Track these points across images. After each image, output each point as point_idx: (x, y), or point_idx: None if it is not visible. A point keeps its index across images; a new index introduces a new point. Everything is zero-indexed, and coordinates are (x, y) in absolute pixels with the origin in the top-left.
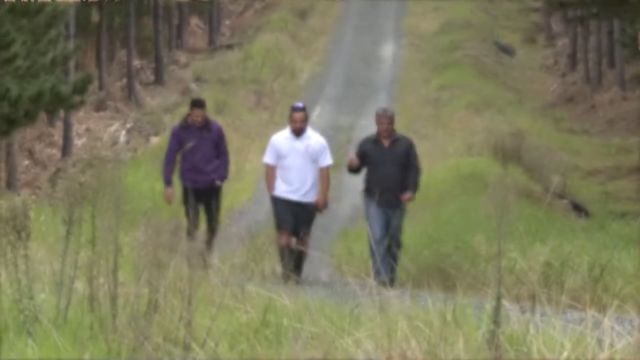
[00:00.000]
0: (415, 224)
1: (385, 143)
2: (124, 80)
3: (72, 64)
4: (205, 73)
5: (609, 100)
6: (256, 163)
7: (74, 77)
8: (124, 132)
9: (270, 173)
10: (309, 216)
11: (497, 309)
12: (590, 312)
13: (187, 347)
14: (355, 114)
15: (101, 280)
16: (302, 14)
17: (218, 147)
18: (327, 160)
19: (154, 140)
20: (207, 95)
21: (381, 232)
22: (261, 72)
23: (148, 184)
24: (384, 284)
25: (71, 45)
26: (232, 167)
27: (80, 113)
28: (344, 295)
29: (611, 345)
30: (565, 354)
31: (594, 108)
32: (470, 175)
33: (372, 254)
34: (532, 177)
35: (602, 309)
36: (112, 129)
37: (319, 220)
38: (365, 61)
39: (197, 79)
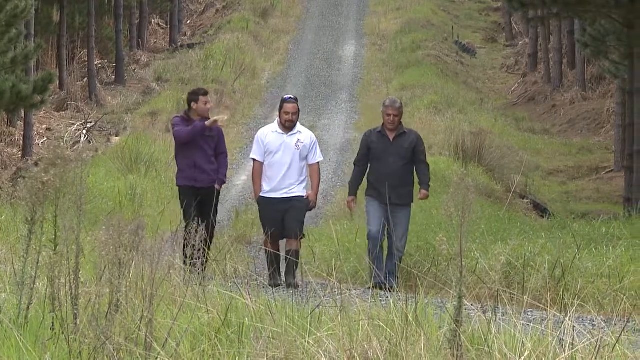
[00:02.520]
0: None
1: (391, 136)
2: (85, 80)
3: (32, 63)
4: (166, 73)
5: (569, 100)
6: None
7: (34, 76)
8: (84, 132)
9: (257, 170)
10: (299, 208)
11: (459, 308)
12: (552, 312)
13: (148, 347)
14: (316, 114)
15: (62, 280)
16: (264, 14)
17: (217, 147)
18: (318, 156)
19: (115, 140)
20: (168, 94)
21: (378, 228)
22: (222, 71)
23: (109, 183)
24: (380, 286)
25: (32, 44)
26: None
27: (41, 112)
28: (305, 295)
29: (572, 344)
30: (526, 354)
31: (555, 108)
32: (431, 175)
33: (369, 254)
34: (494, 176)
35: (563, 308)
36: (73, 128)
37: None
38: (327, 61)
39: (158, 79)
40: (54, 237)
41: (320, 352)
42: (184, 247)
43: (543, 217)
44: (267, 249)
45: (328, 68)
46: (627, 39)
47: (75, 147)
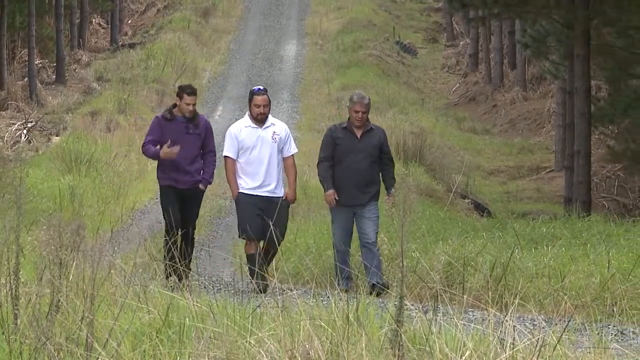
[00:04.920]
0: (319, 224)
1: (357, 133)
2: (25, 80)
3: None
4: (107, 72)
5: (510, 100)
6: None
7: None
8: (25, 132)
9: (231, 168)
10: (282, 212)
11: (400, 308)
12: (492, 312)
13: (89, 347)
14: None
15: (2, 280)
16: (205, 13)
17: (204, 145)
18: (293, 148)
19: (55, 139)
20: (109, 94)
21: (343, 239)
22: (163, 71)
23: (49, 183)
24: (346, 291)
25: None
26: (134, 167)
27: None
28: (246, 295)
29: (513, 344)
30: (467, 354)
31: (496, 108)
32: None
33: (335, 261)
34: (435, 176)
35: (503, 308)
36: (13, 128)
37: (224, 220)
38: (268, 61)
39: (99, 78)
40: None
41: (262, 352)
42: (165, 256)
43: (484, 217)
44: (252, 253)
45: (269, 68)
46: (567, 40)
47: (15, 147)
